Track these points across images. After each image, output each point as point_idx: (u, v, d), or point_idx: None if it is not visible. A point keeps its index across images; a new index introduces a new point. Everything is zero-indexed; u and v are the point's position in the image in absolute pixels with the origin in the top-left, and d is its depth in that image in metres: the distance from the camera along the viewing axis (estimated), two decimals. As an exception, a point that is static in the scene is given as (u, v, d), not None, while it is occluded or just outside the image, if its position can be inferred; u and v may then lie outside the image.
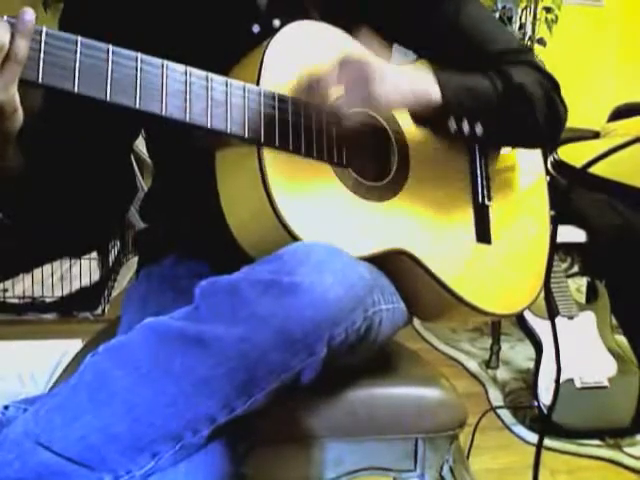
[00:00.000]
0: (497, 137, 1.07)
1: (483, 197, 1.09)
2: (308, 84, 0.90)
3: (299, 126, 0.90)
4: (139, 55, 0.79)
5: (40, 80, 0.72)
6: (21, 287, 2.79)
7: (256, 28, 0.98)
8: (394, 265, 0.97)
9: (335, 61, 0.89)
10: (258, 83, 0.88)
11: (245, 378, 0.73)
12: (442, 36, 1.07)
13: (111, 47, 0.77)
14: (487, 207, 1.09)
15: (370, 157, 1.01)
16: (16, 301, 2.75)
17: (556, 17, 3.55)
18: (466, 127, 0.99)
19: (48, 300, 2.77)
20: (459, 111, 0.99)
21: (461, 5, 1.07)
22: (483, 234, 1.07)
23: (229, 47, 0.92)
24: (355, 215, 0.93)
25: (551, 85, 1.08)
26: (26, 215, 0.93)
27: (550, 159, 1.18)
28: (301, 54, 0.93)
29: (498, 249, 1.08)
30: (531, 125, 1.06)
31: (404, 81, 0.94)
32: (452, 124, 0.99)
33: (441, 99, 0.97)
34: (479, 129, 1.00)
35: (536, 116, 1.05)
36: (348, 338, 0.79)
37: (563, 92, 1.10)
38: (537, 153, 1.20)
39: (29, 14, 0.70)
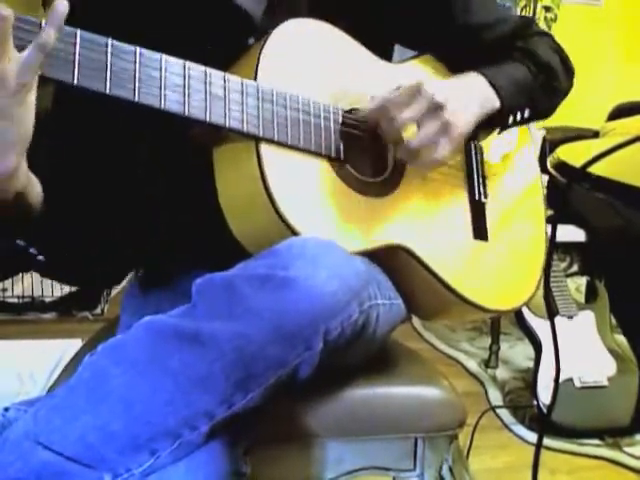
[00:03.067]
0: (537, 113, 1.12)
1: (479, 194, 1.10)
2: (380, 110, 0.95)
3: (297, 121, 0.90)
4: (138, 49, 0.79)
5: (40, 72, 0.72)
6: (20, 287, 2.78)
7: (251, 41, 0.98)
8: (392, 261, 0.97)
9: (405, 93, 0.93)
10: (256, 79, 0.88)
11: (242, 373, 0.73)
12: (451, 29, 1.09)
13: (110, 40, 0.77)
14: (483, 204, 1.10)
15: (367, 153, 1.01)
16: (15, 300, 2.75)
17: (555, 16, 3.56)
18: (518, 117, 1.06)
19: (47, 300, 2.77)
20: (515, 109, 1.05)
21: None
22: (480, 231, 1.08)
23: (223, 59, 0.91)
24: (352, 211, 0.93)
25: (555, 42, 1.15)
26: (54, 240, 0.92)
27: (549, 158, 1.18)
28: (298, 51, 0.94)
29: (495, 246, 1.08)
30: (558, 92, 1.14)
31: (469, 101, 0.98)
32: (509, 120, 1.06)
33: (500, 104, 1.02)
34: (527, 113, 1.07)
35: (561, 84, 1.13)
36: (345, 332, 0.79)
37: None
38: (532, 152, 1.20)
39: (62, 5, 0.70)
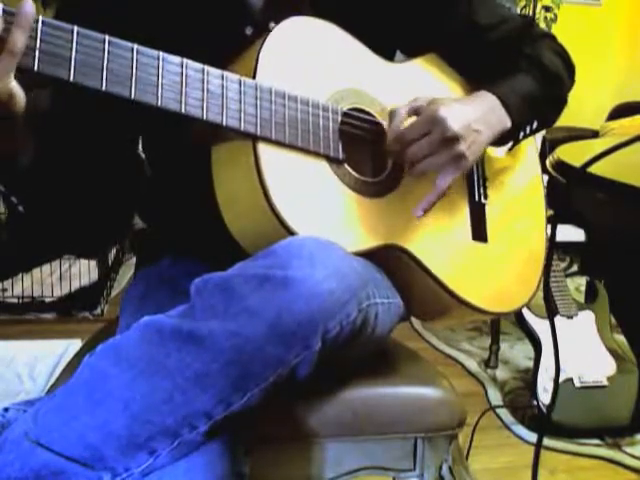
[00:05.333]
0: (545, 124, 1.14)
1: (479, 195, 1.09)
2: (396, 141, 0.96)
3: (295, 120, 0.90)
4: (135, 46, 0.79)
5: (36, 68, 0.72)
6: (20, 287, 2.79)
7: (249, 30, 0.98)
8: (390, 263, 0.97)
9: (421, 122, 0.95)
10: (254, 78, 0.88)
11: (240, 373, 0.73)
12: (455, 29, 1.10)
13: (107, 37, 0.77)
14: (483, 205, 1.09)
15: (366, 153, 1.01)
16: (15, 301, 2.75)
17: (555, 16, 3.55)
18: (528, 130, 1.08)
19: (47, 300, 2.77)
20: (525, 124, 1.07)
21: None
22: (479, 232, 1.07)
23: (221, 49, 0.91)
24: (351, 210, 0.93)
25: (556, 43, 1.15)
26: (39, 204, 0.93)
27: (549, 158, 1.18)
28: (298, 49, 0.93)
29: (494, 247, 1.08)
30: (563, 99, 1.14)
31: (484, 128, 0.99)
32: (520, 136, 1.07)
33: (511, 123, 1.03)
34: (535, 125, 1.08)
35: (566, 90, 1.14)
36: (343, 331, 0.78)
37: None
38: (533, 152, 1.20)
39: (29, 6, 0.70)
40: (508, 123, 1.03)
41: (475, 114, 0.98)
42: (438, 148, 0.94)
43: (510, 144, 1.10)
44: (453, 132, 0.93)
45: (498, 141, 1.04)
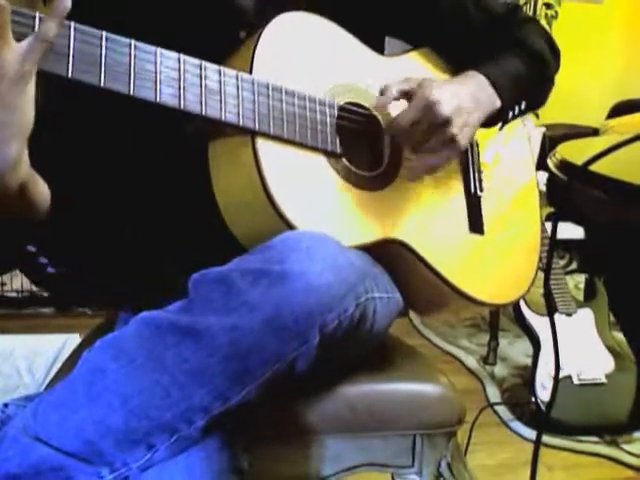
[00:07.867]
0: (533, 105, 1.14)
1: (475, 188, 1.10)
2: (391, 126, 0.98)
3: (293, 115, 0.90)
4: (132, 42, 0.79)
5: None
6: (19, 281, 2.78)
7: (243, 34, 0.98)
8: (389, 255, 0.97)
9: (414, 107, 0.95)
10: (251, 73, 0.88)
11: (238, 367, 0.73)
12: (445, 18, 1.10)
13: (104, 33, 0.77)
14: (479, 198, 1.10)
15: (364, 147, 1.01)
16: (14, 295, 2.75)
17: (556, 13, 3.55)
18: (516, 111, 1.08)
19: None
20: (514, 104, 1.07)
21: None
22: (476, 224, 1.08)
23: (215, 53, 0.90)
24: (349, 205, 0.93)
25: (541, 27, 1.17)
26: (64, 251, 0.93)
27: (550, 156, 1.18)
28: (293, 44, 0.94)
29: (491, 239, 1.09)
30: (549, 80, 1.16)
31: (474, 109, 1.00)
32: (509, 116, 1.08)
33: (500, 103, 1.04)
34: (524, 106, 1.09)
35: (551, 71, 1.15)
36: (341, 325, 0.78)
37: (562, 88, 1.22)
38: (526, 147, 1.21)
39: (67, 1, 0.70)
40: (497, 103, 1.04)
41: (466, 94, 0.99)
42: (430, 135, 0.96)
43: (499, 125, 1.10)
44: (444, 117, 0.94)
45: (488, 122, 1.05)
